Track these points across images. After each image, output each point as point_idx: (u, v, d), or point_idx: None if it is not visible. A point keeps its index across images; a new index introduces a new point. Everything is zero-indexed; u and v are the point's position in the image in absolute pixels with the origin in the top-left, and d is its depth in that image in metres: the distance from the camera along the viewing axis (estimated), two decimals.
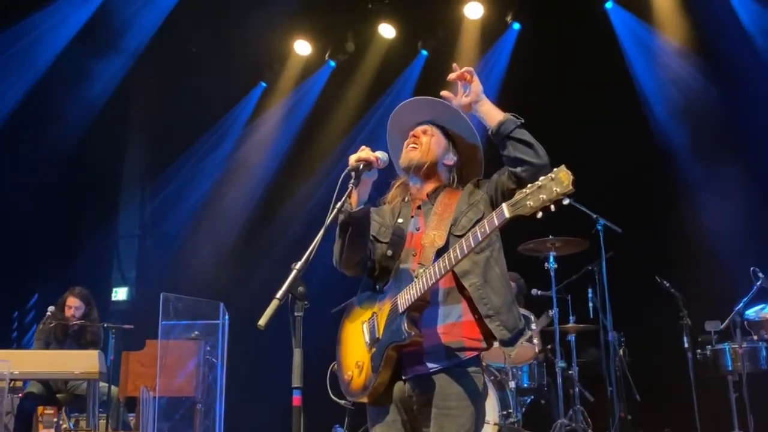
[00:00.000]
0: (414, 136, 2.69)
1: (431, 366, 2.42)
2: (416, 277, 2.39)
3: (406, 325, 2.36)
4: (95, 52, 8.24)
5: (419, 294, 2.35)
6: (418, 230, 2.59)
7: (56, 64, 7.90)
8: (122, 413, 5.87)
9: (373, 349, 2.44)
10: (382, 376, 2.41)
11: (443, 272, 2.33)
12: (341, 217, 2.48)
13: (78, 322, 6.09)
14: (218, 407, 5.82)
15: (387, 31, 8.18)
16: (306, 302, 2.25)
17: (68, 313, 6.17)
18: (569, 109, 6.93)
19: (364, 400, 2.51)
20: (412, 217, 2.65)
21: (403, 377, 2.45)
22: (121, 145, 9.39)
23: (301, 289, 2.23)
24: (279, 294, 2.18)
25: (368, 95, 8.42)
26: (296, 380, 2.21)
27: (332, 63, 8.65)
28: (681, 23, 7.05)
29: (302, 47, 8.55)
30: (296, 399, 2.22)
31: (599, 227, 5.53)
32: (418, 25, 8.16)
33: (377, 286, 2.60)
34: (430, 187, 2.68)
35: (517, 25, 7.82)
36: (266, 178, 8.75)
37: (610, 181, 6.49)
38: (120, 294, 9.37)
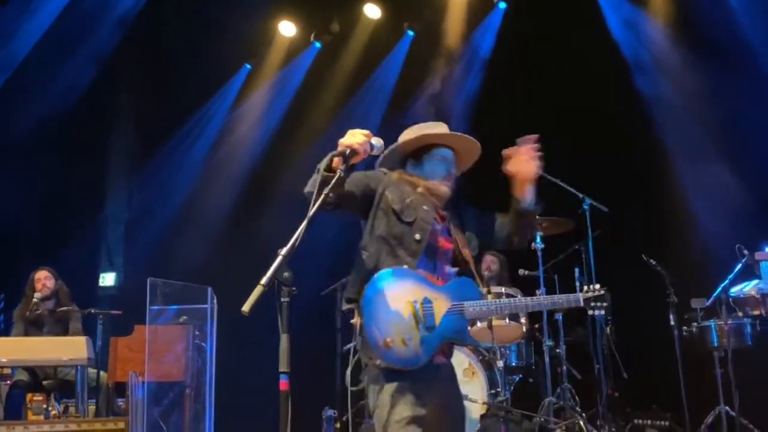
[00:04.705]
0: (451, 174, 2.96)
1: (446, 360, 2.84)
2: (489, 298, 2.89)
3: (470, 332, 2.81)
4: (77, 37, 8.14)
5: (487, 315, 2.87)
6: (444, 233, 2.87)
7: (37, 47, 7.81)
8: (112, 399, 5.86)
9: (426, 333, 2.65)
10: (431, 359, 2.68)
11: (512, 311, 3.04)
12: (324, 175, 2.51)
13: (58, 310, 6.09)
14: (208, 391, 5.83)
15: (372, 11, 8.13)
16: (293, 288, 2.26)
17: (39, 285, 6.18)
18: (555, 88, 6.92)
19: (403, 369, 2.63)
20: (434, 216, 2.83)
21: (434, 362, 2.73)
22: (107, 130, 9.30)
23: (286, 274, 2.24)
24: (264, 280, 2.19)
25: (354, 76, 8.37)
26: (283, 365, 2.24)
27: (317, 44, 8.58)
28: (672, 7, 7.04)
29: (287, 28, 8.48)
30: (283, 384, 2.25)
31: (585, 207, 5.54)
32: (404, 5, 8.11)
33: (411, 265, 2.73)
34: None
35: (503, 5, 7.79)
36: (253, 161, 8.71)
37: (596, 161, 6.50)
38: (108, 279, 9.32)
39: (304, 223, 2.34)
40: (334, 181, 2.47)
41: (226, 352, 6.32)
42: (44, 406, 5.81)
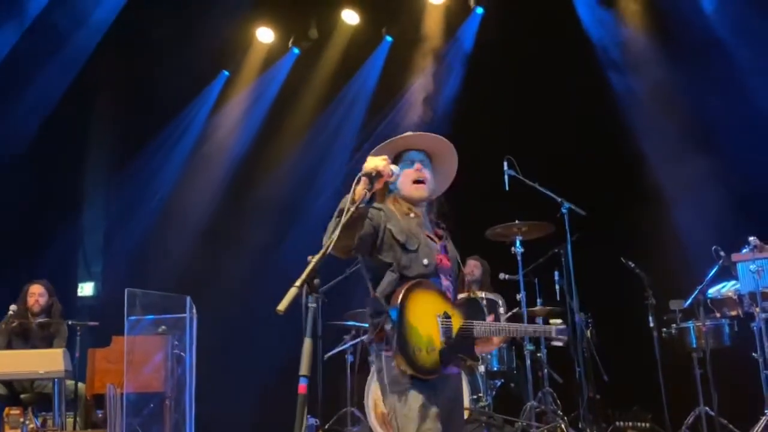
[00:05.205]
0: (418, 170, 2.94)
1: (456, 371, 2.94)
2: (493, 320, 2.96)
3: (476, 349, 2.94)
4: (52, 41, 8.06)
5: (490, 335, 2.94)
6: (442, 251, 2.95)
7: (12, 53, 7.71)
8: (90, 411, 5.79)
9: (444, 345, 2.78)
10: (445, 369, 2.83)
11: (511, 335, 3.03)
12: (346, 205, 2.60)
13: (42, 320, 6.03)
14: (188, 401, 5.77)
15: (350, 17, 8.13)
16: (318, 294, 2.34)
17: (31, 301, 6.14)
18: (533, 93, 6.95)
19: (427, 376, 2.76)
20: (428, 236, 2.93)
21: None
22: (84, 137, 9.20)
23: (316, 281, 2.31)
24: (298, 282, 2.26)
25: (333, 83, 8.36)
26: (304, 368, 2.25)
27: (296, 50, 8.56)
28: (645, 7, 7.11)
29: (265, 35, 8.45)
30: (302, 387, 2.26)
31: (564, 211, 5.57)
32: (382, 10, 8.11)
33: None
34: (427, 212, 3.02)
35: (480, 10, 7.82)
36: (233, 168, 8.66)
37: (574, 165, 6.54)
38: (86, 289, 9.21)
39: (337, 231, 2.44)
40: (363, 196, 2.60)
41: (206, 361, 6.28)
42: (21, 419, 5.72)
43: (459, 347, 2.83)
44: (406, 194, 2.94)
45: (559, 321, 3.16)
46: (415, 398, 2.71)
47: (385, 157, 2.73)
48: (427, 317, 2.78)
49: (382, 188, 2.96)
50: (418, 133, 3.00)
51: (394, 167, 2.77)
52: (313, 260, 2.31)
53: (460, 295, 3.03)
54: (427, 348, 2.73)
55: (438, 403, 2.74)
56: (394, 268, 2.82)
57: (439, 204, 3.08)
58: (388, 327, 2.73)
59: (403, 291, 2.75)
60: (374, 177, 2.64)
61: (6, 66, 7.69)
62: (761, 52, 6.39)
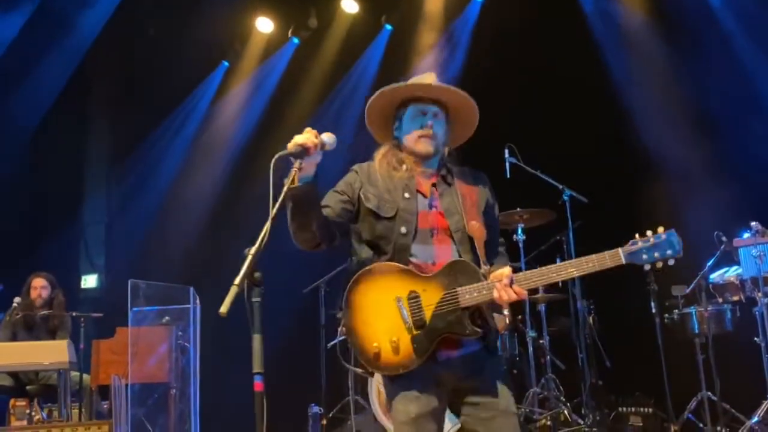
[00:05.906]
0: (429, 126, 2.66)
1: (465, 351, 2.50)
2: (487, 279, 2.44)
3: (469, 320, 2.44)
4: (51, 34, 8.04)
5: (487, 298, 2.43)
6: (432, 209, 2.59)
7: (12, 47, 7.70)
8: (96, 402, 5.83)
9: (417, 332, 2.43)
10: (429, 357, 2.43)
11: (527, 290, 2.46)
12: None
13: (45, 312, 6.06)
14: (192, 391, 5.80)
15: (350, 5, 8.10)
16: (262, 288, 2.22)
17: (34, 294, 6.19)
18: (533, 81, 6.93)
19: (397, 372, 2.47)
20: (420, 192, 2.62)
21: (438, 359, 2.47)
22: (83, 130, 9.21)
23: (257, 274, 2.19)
24: (237, 280, 2.14)
25: (333, 72, 8.35)
26: (257, 365, 2.17)
27: (295, 40, 8.55)
28: None
29: (264, 24, 8.43)
30: (258, 385, 2.18)
31: (565, 198, 5.57)
32: None
33: (405, 261, 2.52)
34: (435, 164, 2.69)
35: None
36: (233, 158, 8.66)
37: (575, 151, 6.53)
38: (89, 281, 9.24)
39: (268, 223, 2.28)
40: (289, 178, 2.37)
41: (211, 351, 6.30)
42: (27, 411, 5.76)
43: (439, 327, 2.42)
44: (409, 147, 2.67)
45: (660, 229, 2.35)
46: (401, 401, 2.45)
47: (309, 129, 2.42)
48: (384, 309, 2.46)
49: (385, 132, 2.76)
50: (436, 84, 2.71)
51: (326, 136, 2.44)
52: (251, 253, 2.18)
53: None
54: (393, 344, 2.41)
55: (437, 394, 2.45)
56: (353, 251, 2.59)
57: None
58: (344, 346, 2.54)
59: (346, 294, 2.51)
60: (300, 153, 2.36)
61: (9, 54, 7.67)
62: (764, 36, 6.37)
